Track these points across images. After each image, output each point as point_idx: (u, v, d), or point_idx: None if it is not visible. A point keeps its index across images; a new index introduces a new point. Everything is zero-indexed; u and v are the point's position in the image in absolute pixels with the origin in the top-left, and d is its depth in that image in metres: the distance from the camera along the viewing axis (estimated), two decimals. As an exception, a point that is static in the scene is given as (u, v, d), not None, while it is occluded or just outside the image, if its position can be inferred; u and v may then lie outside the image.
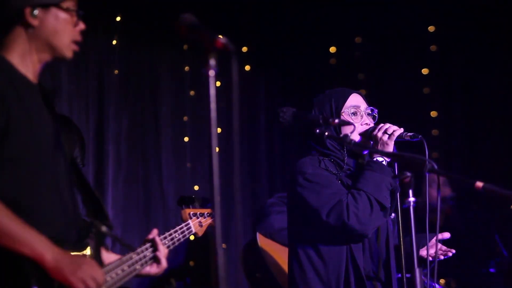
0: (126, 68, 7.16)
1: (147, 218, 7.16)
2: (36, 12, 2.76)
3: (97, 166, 6.82)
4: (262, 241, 5.48)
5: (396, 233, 4.01)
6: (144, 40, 7.28)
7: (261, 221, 5.72)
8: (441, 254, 4.04)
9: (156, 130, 7.37)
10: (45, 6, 2.79)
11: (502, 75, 7.94)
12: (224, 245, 2.33)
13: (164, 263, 3.12)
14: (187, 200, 3.85)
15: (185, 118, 7.63)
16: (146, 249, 3.07)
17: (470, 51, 8.09)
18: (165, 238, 3.29)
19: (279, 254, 5.33)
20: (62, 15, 2.82)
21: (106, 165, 6.84)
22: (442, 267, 4.01)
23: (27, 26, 2.78)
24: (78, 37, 2.88)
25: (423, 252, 3.96)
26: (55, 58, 2.87)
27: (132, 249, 3.00)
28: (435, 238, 3.78)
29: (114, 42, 7.01)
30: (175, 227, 3.46)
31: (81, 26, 2.88)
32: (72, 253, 2.72)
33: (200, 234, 3.78)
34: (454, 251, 4.06)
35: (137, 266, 3.00)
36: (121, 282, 2.90)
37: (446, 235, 3.98)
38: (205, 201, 3.86)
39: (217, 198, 2.30)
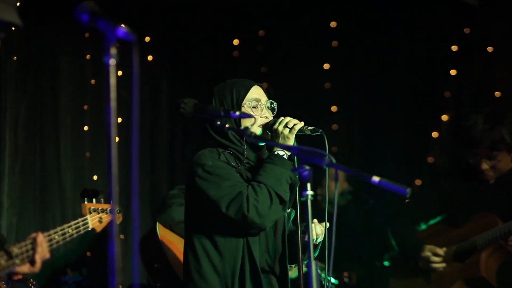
0: (25, 54, 7.00)
1: (44, 208, 7.04)
2: None
3: (-7, 154, 6.67)
4: (162, 231, 5.46)
5: (292, 227, 4.06)
6: (44, 26, 7.13)
7: (162, 211, 5.71)
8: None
9: (55, 118, 7.24)
10: None
11: (401, 70, 8.09)
12: (121, 236, 2.31)
13: (38, 265, 2.98)
14: (90, 194, 3.72)
15: (85, 107, 7.52)
16: (26, 245, 2.96)
17: (370, 46, 8.23)
18: (55, 232, 3.15)
19: (178, 245, 5.33)
20: None
21: (3, 153, 6.68)
22: (340, 261, 4.06)
23: None
24: None
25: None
26: None
27: (9, 255, 2.87)
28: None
29: (13, 28, 6.84)
30: (69, 222, 3.34)
31: None
32: None
33: (98, 230, 3.66)
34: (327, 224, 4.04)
35: (17, 261, 2.90)
36: None
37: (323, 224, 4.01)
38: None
39: (115, 188, 2.28)
